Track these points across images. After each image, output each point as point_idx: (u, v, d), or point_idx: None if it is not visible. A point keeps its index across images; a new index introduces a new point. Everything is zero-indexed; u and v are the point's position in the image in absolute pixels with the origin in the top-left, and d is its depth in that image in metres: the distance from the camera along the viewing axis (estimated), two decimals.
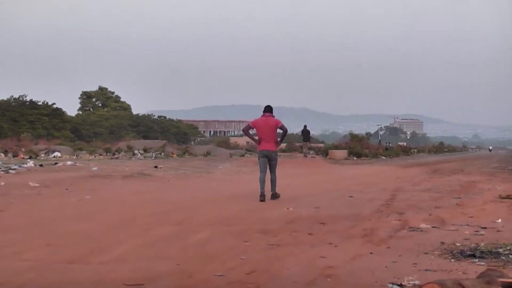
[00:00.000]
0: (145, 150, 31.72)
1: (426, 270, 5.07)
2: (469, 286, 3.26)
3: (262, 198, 11.04)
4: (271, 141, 11.46)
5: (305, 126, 35.01)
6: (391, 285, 4.52)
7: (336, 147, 39.35)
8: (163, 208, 9.49)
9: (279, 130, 11.63)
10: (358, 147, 38.79)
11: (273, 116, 11.57)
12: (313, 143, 53.95)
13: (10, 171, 15.50)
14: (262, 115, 11.59)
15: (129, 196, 11.58)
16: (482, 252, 5.84)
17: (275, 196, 11.35)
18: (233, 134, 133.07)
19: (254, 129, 11.66)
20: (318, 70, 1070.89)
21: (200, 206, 9.99)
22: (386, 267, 5.18)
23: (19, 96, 51.53)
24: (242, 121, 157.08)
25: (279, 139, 11.79)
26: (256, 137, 11.64)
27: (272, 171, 11.51)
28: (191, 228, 7.42)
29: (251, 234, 6.95)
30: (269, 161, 11.47)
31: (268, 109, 11.63)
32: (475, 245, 6.22)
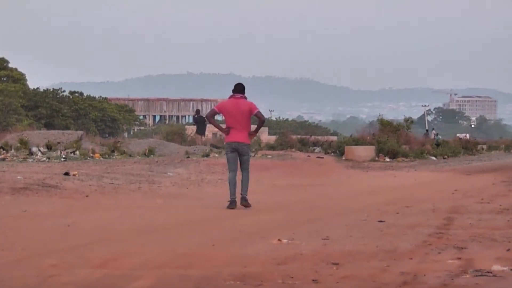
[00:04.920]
0: (49, 147, 31.52)
1: None
2: None
3: (233, 205, 12.68)
4: (243, 131, 12.79)
5: (197, 112, 39.03)
6: None
7: (357, 142, 39.51)
8: (78, 241, 9.45)
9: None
10: (393, 142, 38.96)
11: (246, 98, 12.95)
12: (321, 134, 53.91)
13: None
14: (231, 96, 12.95)
15: (24, 222, 11.52)
16: None
17: (245, 201, 12.82)
18: (191, 120, 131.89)
19: (221, 115, 13.04)
20: (321, 22, 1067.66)
21: (137, 237, 9.97)
22: None
23: None
24: (206, 100, 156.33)
25: (253, 130, 13.22)
26: (224, 126, 13.02)
27: (244, 169, 13.07)
28: (123, 272, 7.40)
29: (221, 282, 6.95)
30: (240, 156, 12.93)
31: (240, 89, 12.91)
32: None
